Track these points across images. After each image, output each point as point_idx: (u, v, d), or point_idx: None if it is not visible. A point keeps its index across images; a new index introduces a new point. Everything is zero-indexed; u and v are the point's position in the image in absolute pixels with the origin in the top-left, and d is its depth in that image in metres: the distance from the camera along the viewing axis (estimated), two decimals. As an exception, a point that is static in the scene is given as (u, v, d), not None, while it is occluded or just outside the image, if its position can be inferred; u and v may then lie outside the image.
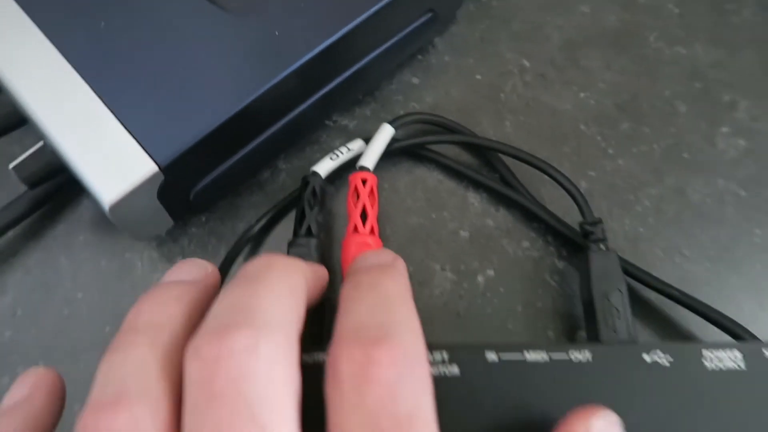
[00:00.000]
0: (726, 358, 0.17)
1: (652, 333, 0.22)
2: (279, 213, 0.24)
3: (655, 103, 0.26)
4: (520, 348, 0.17)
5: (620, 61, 0.27)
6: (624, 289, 0.21)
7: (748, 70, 0.27)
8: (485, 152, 0.25)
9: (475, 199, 0.25)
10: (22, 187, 0.22)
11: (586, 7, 0.29)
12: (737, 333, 0.20)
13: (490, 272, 0.24)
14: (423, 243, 0.24)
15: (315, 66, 0.22)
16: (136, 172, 0.20)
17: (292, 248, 0.21)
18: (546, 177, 0.23)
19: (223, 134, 0.21)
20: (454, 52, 0.27)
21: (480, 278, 0.23)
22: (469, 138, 0.25)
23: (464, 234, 0.24)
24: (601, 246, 0.22)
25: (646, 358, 0.17)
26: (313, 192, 0.23)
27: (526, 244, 0.24)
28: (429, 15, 0.25)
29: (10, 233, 0.23)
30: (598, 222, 0.22)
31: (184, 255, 0.24)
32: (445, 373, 0.17)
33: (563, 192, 0.23)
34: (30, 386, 0.15)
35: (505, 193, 0.24)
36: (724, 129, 0.26)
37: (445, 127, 0.25)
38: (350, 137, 0.25)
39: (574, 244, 0.23)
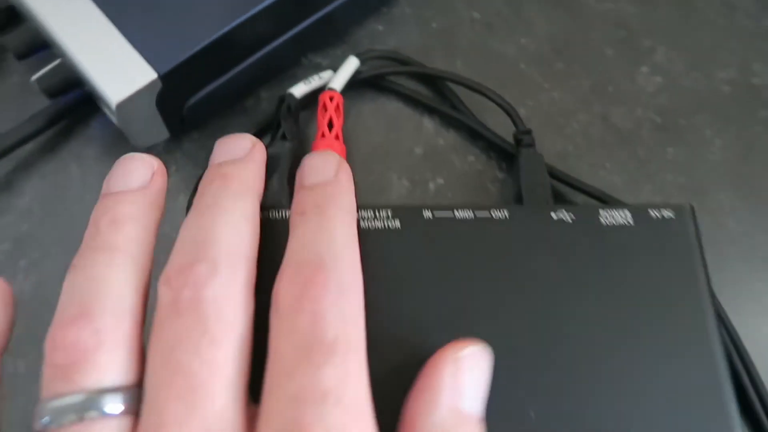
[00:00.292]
0: (618, 216, 0.21)
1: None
2: (261, 131, 0.28)
3: (586, 48, 0.31)
4: (451, 208, 0.21)
5: (557, 14, 0.32)
6: (548, 184, 0.25)
7: (666, 21, 0.31)
8: (438, 83, 0.29)
9: (429, 123, 0.29)
10: (41, 105, 0.26)
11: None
12: None
13: (440, 180, 0.28)
14: (383, 158, 0.28)
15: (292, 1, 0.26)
16: (139, 79, 0.24)
17: (270, 148, 0.25)
18: (490, 104, 0.27)
19: (213, 52, 0.25)
20: (414, 5, 0.32)
21: (431, 185, 0.27)
22: (423, 69, 0.29)
23: (419, 151, 0.28)
24: (531, 151, 0.26)
25: (553, 216, 0.21)
26: (288, 108, 0.27)
27: (471, 158, 0.28)
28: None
29: (29, 144, 0.27)
30: (528, 132, 0.26)
31: (178, 166, 0.28)
32: (388, 226, 0.21)
33: (505, 118, 0.27)
34: None
35: (455, 116, 0.28)
36: (644, 68, 0.30)
37: (403, 62, 0.29)
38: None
39: (512, 157, 0.27)
